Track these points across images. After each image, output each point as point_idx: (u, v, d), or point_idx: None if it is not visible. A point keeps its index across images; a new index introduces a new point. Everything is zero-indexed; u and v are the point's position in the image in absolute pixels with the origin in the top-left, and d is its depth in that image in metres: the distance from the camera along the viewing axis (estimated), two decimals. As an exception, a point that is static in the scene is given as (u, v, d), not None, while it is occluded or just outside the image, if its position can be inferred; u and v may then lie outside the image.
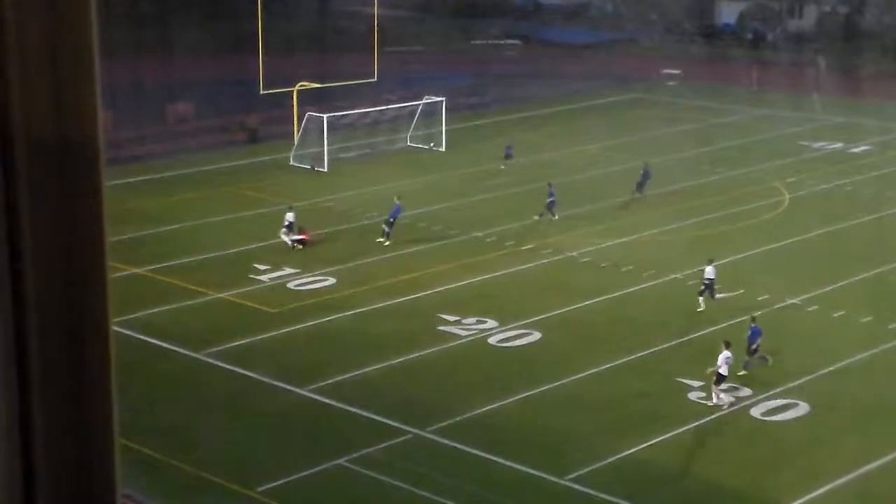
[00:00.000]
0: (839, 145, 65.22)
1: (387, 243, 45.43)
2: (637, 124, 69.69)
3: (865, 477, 28.79)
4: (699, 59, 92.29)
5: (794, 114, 73.03)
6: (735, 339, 36.72)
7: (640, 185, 52.53)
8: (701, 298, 39.28)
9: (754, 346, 34.45)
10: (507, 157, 58.39)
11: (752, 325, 34.97)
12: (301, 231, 45.61)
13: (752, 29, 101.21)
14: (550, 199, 49.04)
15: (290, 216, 45.47)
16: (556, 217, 48.67)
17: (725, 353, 32.35)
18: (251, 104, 64.38)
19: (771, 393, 33.16)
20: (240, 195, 53.52)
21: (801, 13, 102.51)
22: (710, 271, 39.48)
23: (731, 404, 32.31)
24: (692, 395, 32.83)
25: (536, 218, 48.83)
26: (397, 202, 46.29)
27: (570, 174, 56.80)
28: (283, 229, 45.32)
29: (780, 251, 46.09)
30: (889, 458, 29.75)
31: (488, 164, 58.82)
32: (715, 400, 32.28)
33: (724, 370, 32.18)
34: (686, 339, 36.89)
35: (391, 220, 45.79)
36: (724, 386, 32.49)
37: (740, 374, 33.82)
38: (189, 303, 40.07)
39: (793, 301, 40.32)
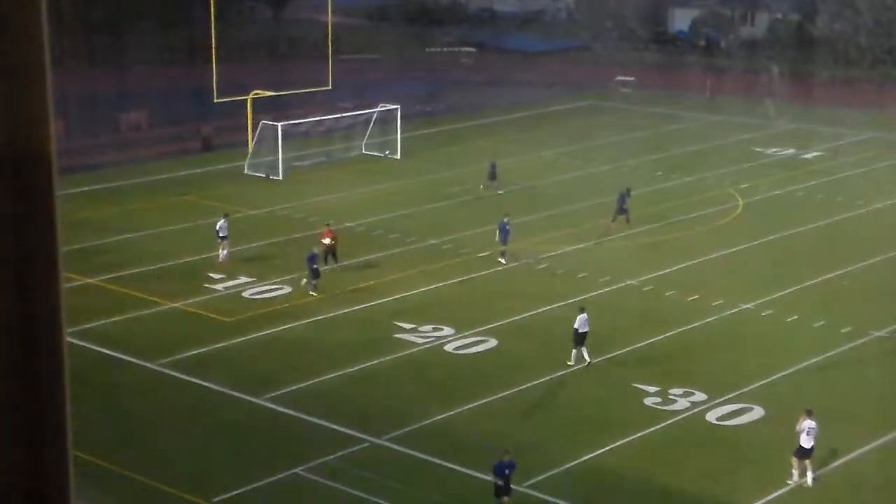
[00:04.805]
0: (792, 151, 65.80)
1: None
2: (592, 131, 69.97)
3: (820, 479, 29.00)
4: (653, 66, 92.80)
5: (747, 120, 73.62)
6: (695, 344, 37.01)
7: (491, 177, 55.08)
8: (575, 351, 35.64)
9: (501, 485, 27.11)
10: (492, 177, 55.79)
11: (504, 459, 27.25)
12: (329, 233, 44.07)
13: (704, 36, 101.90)
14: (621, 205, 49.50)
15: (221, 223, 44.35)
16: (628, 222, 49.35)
17: (807, 423, 28.80)
18: (205, 113, 64.07)
19: (726, 398, 33.33)
20: (194, 204, 53.26)
21: (753, 20, 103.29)
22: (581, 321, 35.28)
23: (813, 479, 28.79)
24: (648, 401, 32.97)
25: (613, 225, 49.08)
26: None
27: (526, 181, 56.97)
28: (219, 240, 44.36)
29: (734, 256, 46.41)
30: (843, 460, 30.02)
31: (443, 172, 58.87)
32: (810, 476, 28.68)
33: (805, 442, 28.65)
34: (642, 344, 37.06)
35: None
36: (805, 462, 28.79)
37: None
38: (144, 312, 39.83)
39: (747, 306, 40.59)
